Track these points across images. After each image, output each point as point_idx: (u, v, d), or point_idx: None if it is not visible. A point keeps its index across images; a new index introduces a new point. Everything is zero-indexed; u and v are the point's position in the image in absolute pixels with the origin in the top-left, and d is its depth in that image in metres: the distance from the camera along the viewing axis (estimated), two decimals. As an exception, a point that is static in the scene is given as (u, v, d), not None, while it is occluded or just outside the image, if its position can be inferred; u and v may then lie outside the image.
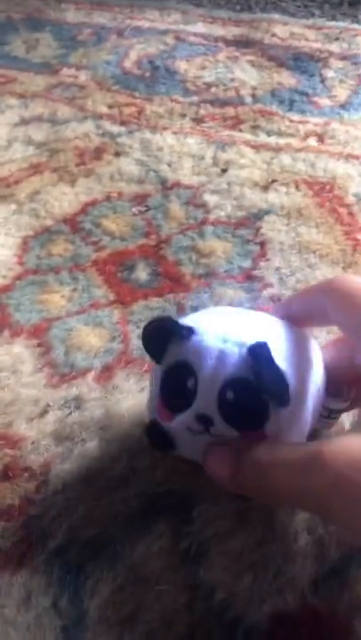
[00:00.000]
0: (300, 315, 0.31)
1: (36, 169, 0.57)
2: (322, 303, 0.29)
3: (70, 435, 0.35)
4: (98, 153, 0.58)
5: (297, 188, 0.53)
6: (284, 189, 0.53)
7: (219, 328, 0.28)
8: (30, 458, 0.34)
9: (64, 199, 0.53)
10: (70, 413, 0.36)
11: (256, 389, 0.26)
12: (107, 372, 0.38)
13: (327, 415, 0.31)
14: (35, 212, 0.51)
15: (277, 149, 0.58)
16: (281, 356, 0.27)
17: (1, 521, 0.31)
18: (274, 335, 0.28)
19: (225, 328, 0.28)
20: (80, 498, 0.32)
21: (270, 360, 0.26)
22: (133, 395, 0.37)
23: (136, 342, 0.41)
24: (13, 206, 0.52)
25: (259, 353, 0.26)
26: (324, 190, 0.53)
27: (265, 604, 0.28)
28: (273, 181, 0.54)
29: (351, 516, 0.23)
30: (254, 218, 0.50)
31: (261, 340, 0.27)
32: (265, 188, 0.53)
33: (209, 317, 0.30)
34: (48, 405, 0.36)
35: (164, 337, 0.28)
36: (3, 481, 0.33)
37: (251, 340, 0.27)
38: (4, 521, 0.31)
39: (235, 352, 0.27)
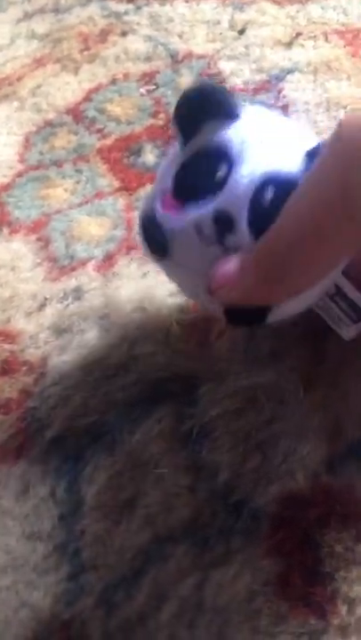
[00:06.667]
0: None
1: (38, 62, 0.52)
2: None
3: (69, 326, 0.33)
4: (103, 36, 0.53)
5: (326, 39, 0.46)
6: (311, 43, 0.46)
7: (272, 123, 0.24)
8: (29, 352, 0.32)
9: (67, 89, 0.49)
10: (69, 305, 0.34)
11: None
12: (108, 261, 0.36)
13: (331, 296, 0.26)
14: (36, 107, 0.48)
15: (305, 1, 0.50)
16: None
17: (-1, 415, 0.30)
18: None
19: (279, 126, 0.23)
20: (77, 387, 0.30)
21: None
22: (135, 280, 0.34)
23: (141, 227, 0.37)
24: (16, 104, 0.49)
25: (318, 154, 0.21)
26: (358, 38, 0.45)
27: (273, 484, 0.25)
28: (298, 35, 0.46)
29: None
30: (276, 79, 0.44)
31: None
32: (288, 45, 0.46)
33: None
34: (46, 299, 0.34)
35: (205, 109, 0.23)
36: (1, 376, 0.31)
37: (311, 144, 0.22)
38: (2, 414, 0.30)
39: (289, 149, 0.22)
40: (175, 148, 0.24)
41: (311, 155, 0.22)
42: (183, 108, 0.23)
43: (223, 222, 0.22)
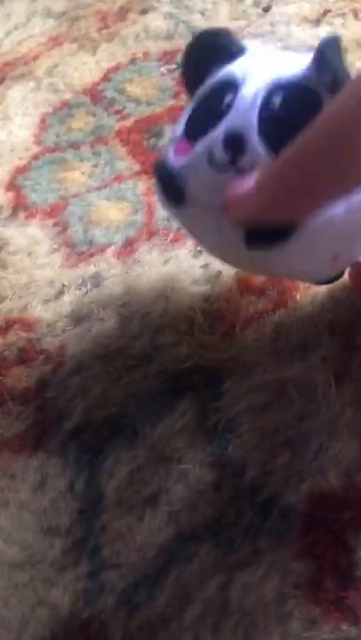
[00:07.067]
0: None
1: (55, 41, 0.51)
2: None
3: (88, 314, 0.32)
4: (122, 13, 0.51)
5: (356, 16, 0.44)
6: (339, 21, 0.44)
7: (276, 49, 0.25)
8: (46, 340, 0.31)
9: (84, 69, 0.47)
10: (87, 292, 0.32)
11: (312, 95, 0.21)
12: (128, 247, 0.34)
13: None
14: (53, 87, 0.46)
15: (333, -23, 0.48)
16: None
17: (16, 404, 0.29)
18: None
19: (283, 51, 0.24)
20: (97, 378, 0.29)
21: (339, 49, 0.21)
22: (156, 268, 0.33)
23: (162, 212, 0.36)
24: (32, 84, 0.47)
25: (330, 40, 0.21)
26: (389, 15, 0.43)
27: (304, 483, 0.24)
28: (326, 12, 0.45)
29: None
30: (302, 59, 0.42)
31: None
32: (316, 23, 0.44)
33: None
34: (64, 286, 0.33)
35: (212, 55, 0.23)
36: (18, 364, 0.30)
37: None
38: (19, 404, 0.29)
39: (294, 61, 0.22)
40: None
41: (316, 56, 0.21)
42: (191, 57, 0.24)
43: (234, 143, 0.22)
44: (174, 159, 0.23)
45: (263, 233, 0.22)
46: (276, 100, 0.21)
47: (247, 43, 0.24)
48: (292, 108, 0.21)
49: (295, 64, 0.22)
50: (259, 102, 0.21)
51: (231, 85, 0.22)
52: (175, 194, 0.23)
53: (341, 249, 0.24)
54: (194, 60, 0.24)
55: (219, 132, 0.22)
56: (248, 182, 0.21)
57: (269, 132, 0.21)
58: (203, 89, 0.23)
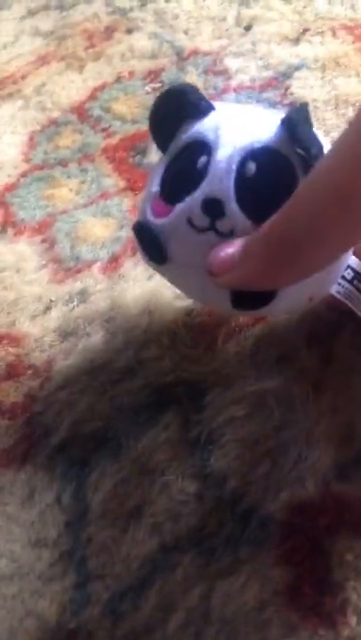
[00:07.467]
0: None
1: (43, 60, 0.52)
2: None
3: (75, 329, 0.32)
4: (108, 33, 0.52)
5: (334, 35, 0.45)
6: (318, 39, 0.45)
7: (243, 108, 0.25)
8: (34, 355, 0.32)
9: (72, 87, 0.48)
10: (74, 308, 0.33)
11: (284, 161, 0.21)
12: (114, 263, 0.35)
13: (350, 279, 0.26)
14: (41, 105, 0.47)
15: (312, -5, 0.49)
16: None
17: (4, 419, 0.30)
18: None
19: (250, 108, 0.25)
20: (83, 392, 0.30)
21: (309, 120, 0.22)
22: (141, 283, 0.33)
23: (147, 228, 0.37)
24: (20, 102, 0.48)
25: (299, 110, 0.22)
26: (367, 33, 0.44)
27: (283, 492, 0.25)
28: (305, 31, 0.46)
29: None
30: (283, 76, 0.43)
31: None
32: (296, 41, 0.45)
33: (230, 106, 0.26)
34: (51, 301, 0.34)
35: (180, 112, 0.23)
36: (6, 379, 0.31)
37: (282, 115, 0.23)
38: (8, 419, 0.30)
39: (263, 124, 0.22)
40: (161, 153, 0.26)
41: (285, 121, 0.22)
42: (159, 113, 0.24)
43: (212, 208, 0.22)
44: (153, 219, 0.24)
45: (249, 296, 0.23)
46: (251, 167, 0.22)
47: (216, 102, 0.25)
48: (267, 174, 0.22)
49: (265, 125, 0.23)
50: (234, 168, 0.22)
51: (204, 146, 0.22)
52: (157, 252, 0.24)
53: (316, 289, 0.25)
54: (162, 116, 0.24)
55: (197, 197, 0.22)
56: (230, 248, 0.22)
57: (246, 198, 0.22)
58: (175, 145, 0.24)
